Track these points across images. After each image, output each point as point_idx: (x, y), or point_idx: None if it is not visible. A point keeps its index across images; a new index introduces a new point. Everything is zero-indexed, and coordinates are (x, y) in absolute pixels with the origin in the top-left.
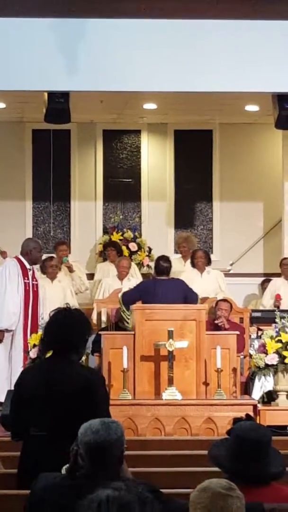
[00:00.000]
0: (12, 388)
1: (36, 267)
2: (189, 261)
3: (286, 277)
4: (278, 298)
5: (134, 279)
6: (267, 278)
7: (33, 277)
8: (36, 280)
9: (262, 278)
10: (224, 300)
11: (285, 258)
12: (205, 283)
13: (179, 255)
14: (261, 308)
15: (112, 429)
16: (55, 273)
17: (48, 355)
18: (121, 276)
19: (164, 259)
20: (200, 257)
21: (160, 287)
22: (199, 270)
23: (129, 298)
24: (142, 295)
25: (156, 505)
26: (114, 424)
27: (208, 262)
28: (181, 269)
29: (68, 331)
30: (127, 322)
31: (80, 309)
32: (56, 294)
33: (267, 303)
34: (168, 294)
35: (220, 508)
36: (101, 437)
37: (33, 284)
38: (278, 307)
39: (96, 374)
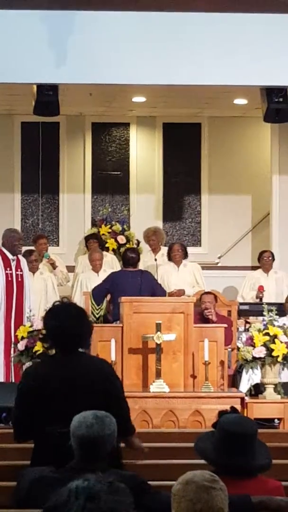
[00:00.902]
0: None
1: (22, 257)
2: (159, 253)
3: (266, 270)
4: (261, 289)
5: (110, 269)
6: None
7: (18, 267)
8: (21, 270)
9: (251, 271)
10: (208, 292)
11: (265, 251)
12: (182, 276)
13: (148, 248)
14: (240, 300)
15: (106, 423)
16: (35, 267)
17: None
18: (95, 269)
19: (131, 250)
20: (177, 250)
21: (128, 278)
22: (176, 264)
23: (98, 292)
24: (110, 286)
25: (128, 496)
26: (108, 419)
27: (185, 255)
28: (151, 262)
29: (76, 325)
30: (95, 317)
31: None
32: (39, 286)
33: (247, 295)
34: (135, 286)
35: (205, 501)
36: (94, 432)
37: (17, 275)
38: (260, 299)
39: (109, 364)
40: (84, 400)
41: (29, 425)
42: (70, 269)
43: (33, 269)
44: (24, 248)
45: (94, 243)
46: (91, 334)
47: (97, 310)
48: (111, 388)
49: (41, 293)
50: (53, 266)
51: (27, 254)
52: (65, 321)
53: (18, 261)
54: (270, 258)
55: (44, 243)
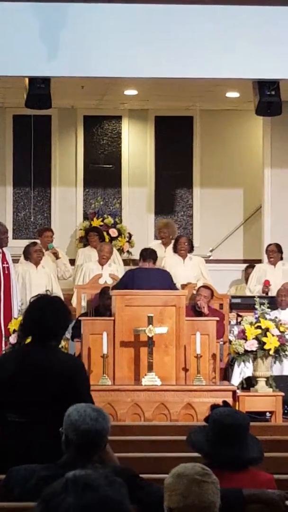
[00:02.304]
0: None
1: (9, 250)
2: (169, 247)
3: (272, 262)
4: (267, 284)
5: (115, 265)
6: (250, 264)
7: (4, 260)
8: (7, 263)
9: (243, 264)
10: (205, 286)
11: (270, 245)
12: (187, 269)
13: (159, 241)
14: (247, 293)
15: (106, 417)
16: (39, 259)
17: (26, 341)
18: (101, 262)
19: (150, 249)
20: (184, 243)
21: (145, 276)
22: (182, 257)
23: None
24: (129, 284)
25: (124, 488)
26: (105, 411)
27: (191, 248)
28: (161, 255)
29: (48, 318)
30: None
31: (59, 296)
32: (42, 280)
33: (254, 288)
34: (151, 284)
35: (196, 495)
36: (99, 426)
37: (3, 267)
38: (266, 293)
39: (75, 359)
40: (42, 392)
41: None
42: None
43: (36, 260)
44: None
45: (94, 236)
46: (65, 329)
47: None
48: (75, 383)
49: (44, 286)
50: (56, 256)
51: (32, 245)
52: (36, 315)
53: (3, 253)
54: (275, 250)
55: (50, 236)
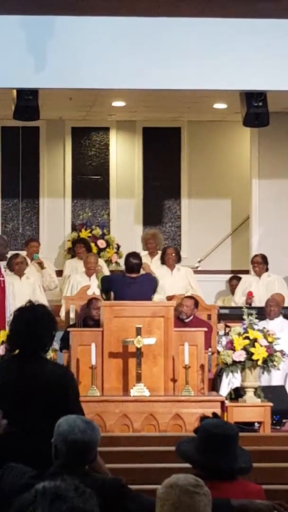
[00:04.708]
0: None
1: (3, 263)
2: (156, 257)
3: (257, 273)
4: (250, 295)
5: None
6: (234, 275)
7: (0, 273)
8: (3, 277)
9: (230, 275)
10: (189, 297)
11: (255, 256)
12: (175, 280)
13: (145, 252)
14: (233, 305)
15: (96, 429)
16: (22, 270)
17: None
18: (89, 273)
19: (134, 255)
20: (171, 254)
21: (131, 286)
22: (169, 267)
23: (106, 284)
24: (114, 289)
25: (94, 498)
26: (96, 424)
27: (178, 259)
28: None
29: (35, 329)
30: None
31: (45, 305)
32: (25, 290)
33: (239, 299)
34: (138, 293)
35: (187, 506)
36: (88, 437)
37: (0, 281)
38: (250, 304)
39: (66, 369)
40: (34, 403)
41: None
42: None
43: (19, 271)
44: (12, 252)
45: (81, 247)
46: (52, 338)
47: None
48: (66, 393)
49: (27, 297)
50: (41, 266)
51: (13, 257)
52: (23, 326)
53: None
54: (260, 261)
55: (36, 246)
